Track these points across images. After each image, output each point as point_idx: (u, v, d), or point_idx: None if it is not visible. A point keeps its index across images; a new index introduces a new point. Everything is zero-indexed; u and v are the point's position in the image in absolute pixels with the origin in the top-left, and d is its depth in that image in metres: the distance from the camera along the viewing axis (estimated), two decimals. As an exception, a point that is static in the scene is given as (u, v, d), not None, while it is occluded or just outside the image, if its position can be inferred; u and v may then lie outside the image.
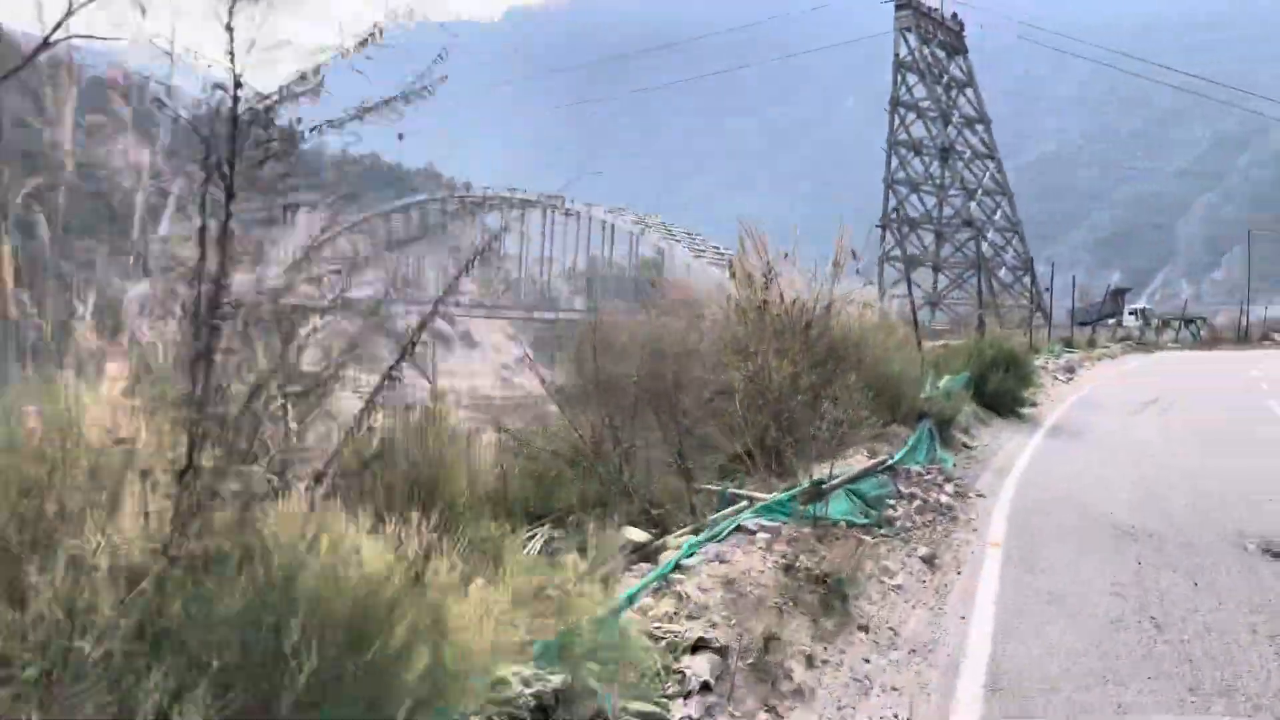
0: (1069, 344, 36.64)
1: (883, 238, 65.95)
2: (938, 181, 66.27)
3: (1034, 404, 19.46)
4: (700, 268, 75.05)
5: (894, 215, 66.07)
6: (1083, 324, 49.37)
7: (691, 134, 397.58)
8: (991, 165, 67.26)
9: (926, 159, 66.23)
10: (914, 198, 67.08)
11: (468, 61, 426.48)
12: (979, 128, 67.68)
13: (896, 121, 65.61)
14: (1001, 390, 17.56)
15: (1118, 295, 59.16)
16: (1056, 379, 26.74)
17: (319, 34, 3.41)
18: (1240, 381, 26.14)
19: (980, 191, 66.86)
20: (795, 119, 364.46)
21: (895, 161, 65.92)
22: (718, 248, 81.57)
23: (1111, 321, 56.43)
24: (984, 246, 63.74)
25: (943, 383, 15.25)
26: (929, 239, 67.62)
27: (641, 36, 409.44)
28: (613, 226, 79.40)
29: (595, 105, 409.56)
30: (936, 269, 66.66)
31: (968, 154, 66.66)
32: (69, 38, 3.29)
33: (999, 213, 67.43)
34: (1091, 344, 39.94)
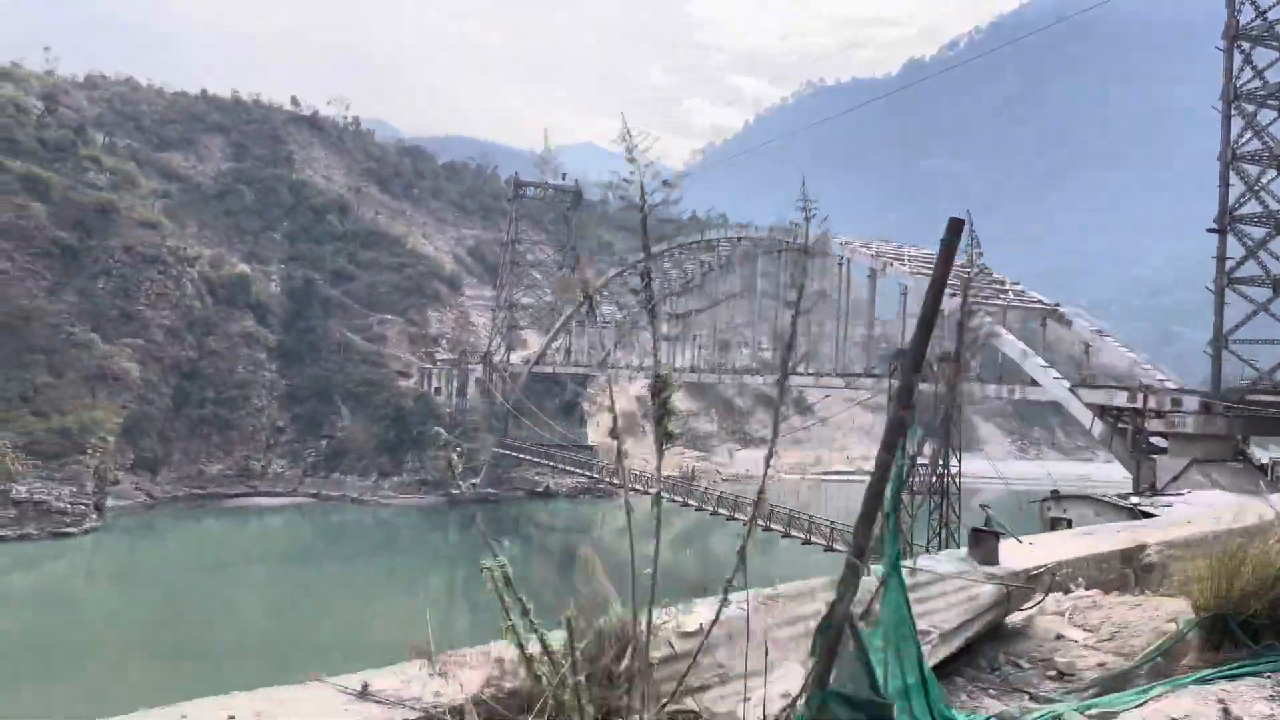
0: None
1: (1221, 247, 41.61)
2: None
3: None
4: (951, 306, 53.94)
5: (1241, 210, 41.49)
6: None
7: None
8: None
9: (1298, 115, 40.88)
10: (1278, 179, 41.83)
11: (868, 116, 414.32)
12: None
13: (1238, 60, 41.28)
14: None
15: None
16: None
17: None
18: None
19: None
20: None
21: (1238, 124, 41.46)
22: (1007, 286, 59.46)
23: None
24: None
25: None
26: (1314, 245, 41.73)
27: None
28: (848, 261, 60.79)
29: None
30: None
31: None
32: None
33: None
34: None
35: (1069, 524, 24.37)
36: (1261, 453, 43.89)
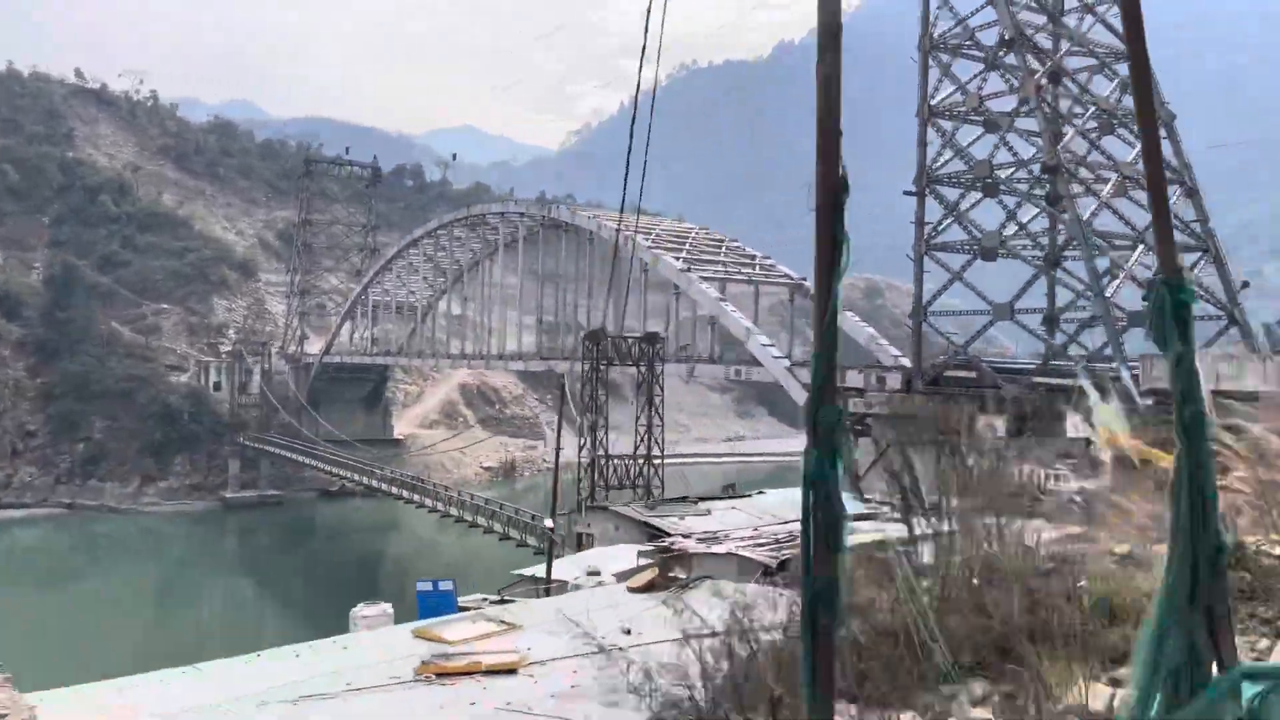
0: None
1: (920, 211, 38.15)
2: (1024, 106, 37.37)
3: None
4: (685, 281, 49.94)
5: (941, 169, 38.10)
6: None
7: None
8: (1120, 75, 37.23)
9: (996, 64, 37.58)
10: (987, 138, 38.58)
11: (738, 98, 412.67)
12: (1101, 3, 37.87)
13: (934, 5, 37.74)
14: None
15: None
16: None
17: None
18: None
19: (1109, 119, 36.98)
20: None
21: (935, 76, 37.99)
22: (756, 261, 55.80)
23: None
24: (1086, 211, 34.17)
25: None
26: (1020, 206, 38.65)
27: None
28: (589, 234, 56.18)
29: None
30: (1068, 266, 37.34)
31: (1062, 50, 37.22)
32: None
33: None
34: None
35: (591, 539, 19.85)
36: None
